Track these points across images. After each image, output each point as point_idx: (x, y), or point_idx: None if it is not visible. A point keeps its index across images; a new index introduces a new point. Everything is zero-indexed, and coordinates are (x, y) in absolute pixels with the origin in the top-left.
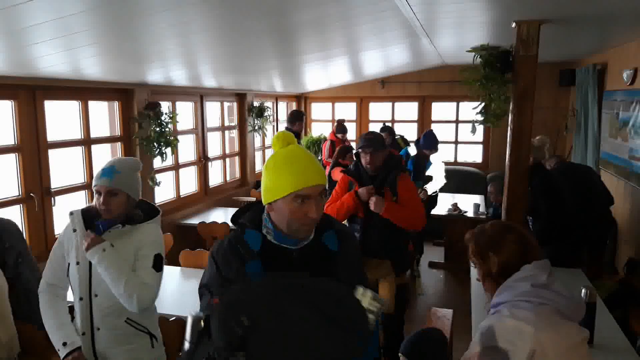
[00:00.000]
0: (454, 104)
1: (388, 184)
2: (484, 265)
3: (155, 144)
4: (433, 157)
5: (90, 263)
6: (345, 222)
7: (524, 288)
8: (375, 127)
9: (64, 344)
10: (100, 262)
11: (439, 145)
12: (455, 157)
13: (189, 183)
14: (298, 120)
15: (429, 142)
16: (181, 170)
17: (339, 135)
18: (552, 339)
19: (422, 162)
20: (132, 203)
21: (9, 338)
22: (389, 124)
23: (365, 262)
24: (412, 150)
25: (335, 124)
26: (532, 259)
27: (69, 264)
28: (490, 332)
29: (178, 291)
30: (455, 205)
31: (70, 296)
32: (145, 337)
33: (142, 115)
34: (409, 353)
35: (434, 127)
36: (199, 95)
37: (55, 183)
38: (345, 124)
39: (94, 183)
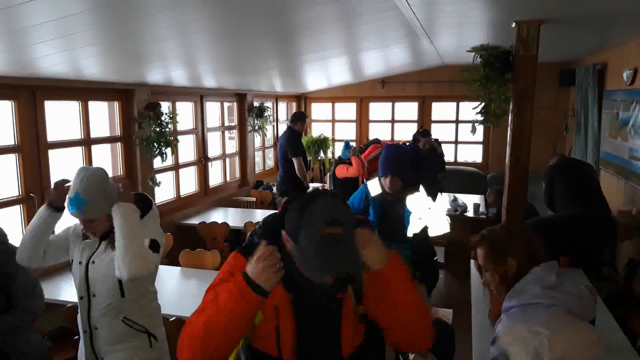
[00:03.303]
0: (454, 104)
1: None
2: (499, 269)
3: (155, 144)
4: (415, 199)
5: (87, 264)
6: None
7: (535, 291)
8: (375, 127)
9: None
10: (127, 217)
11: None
12: (455, 157)
13: (189, 183)
14: (300, 120)
15: (381, 164)
16: (181, 171)
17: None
18: (568, 338)
19: (387, 205)
20: None
21: None
22: (425, 128)
23: None
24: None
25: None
26: (541, 261)
27: (71, 261)
28: (503, 337)
29: (178, 291)
30: (455, 204)
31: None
32: (143, 337)
33: (142, 116)
34: None
35: (433, 127)
36: (199, 96)
37: None
38: (346, 124)
39: (67, 210)
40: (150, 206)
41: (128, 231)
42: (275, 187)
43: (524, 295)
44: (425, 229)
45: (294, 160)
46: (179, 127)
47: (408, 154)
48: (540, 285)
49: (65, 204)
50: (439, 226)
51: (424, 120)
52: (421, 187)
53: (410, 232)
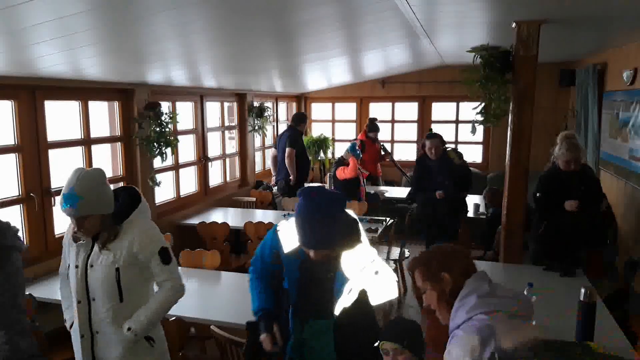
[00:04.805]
0: (454, 104)
1: None
2: (437, 287)
3: (155, 144)
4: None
5: (85, 268)
6: None
7: (472, 302)
8: None
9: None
10: (143, 332)
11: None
12: None
13: (189, 183)
14: (302, 121)
15: (296, 224)
16: (181, 171)
17: (371, 134)
18: (516, 341)
19: (308, 265)
20: (107, 218)
21: None
22: (435, 131)
23: None
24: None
25: (368, 122)
26: (472, 272)
27: (69, 265)
28: (457, 355)
29: None
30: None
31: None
32: (143, 339)
33: (142, 116)
34: (390, 337)
35: (434, 127)
36: (199, 96)
37: (55, 183)
38: (346, 124)
39: (60, 207)
40: (139, 199)
41: (156, 316)
42: (276, 188)
43: (464, 309)
44: (362, 299)
45: (287, 150)
46: (179, 127)
47: (340, 203)
48: (477, 295)
49: (59, 201)
50: (384, 289)
51: (424, 120)
52: (364, 239)
53: (339, 305)
